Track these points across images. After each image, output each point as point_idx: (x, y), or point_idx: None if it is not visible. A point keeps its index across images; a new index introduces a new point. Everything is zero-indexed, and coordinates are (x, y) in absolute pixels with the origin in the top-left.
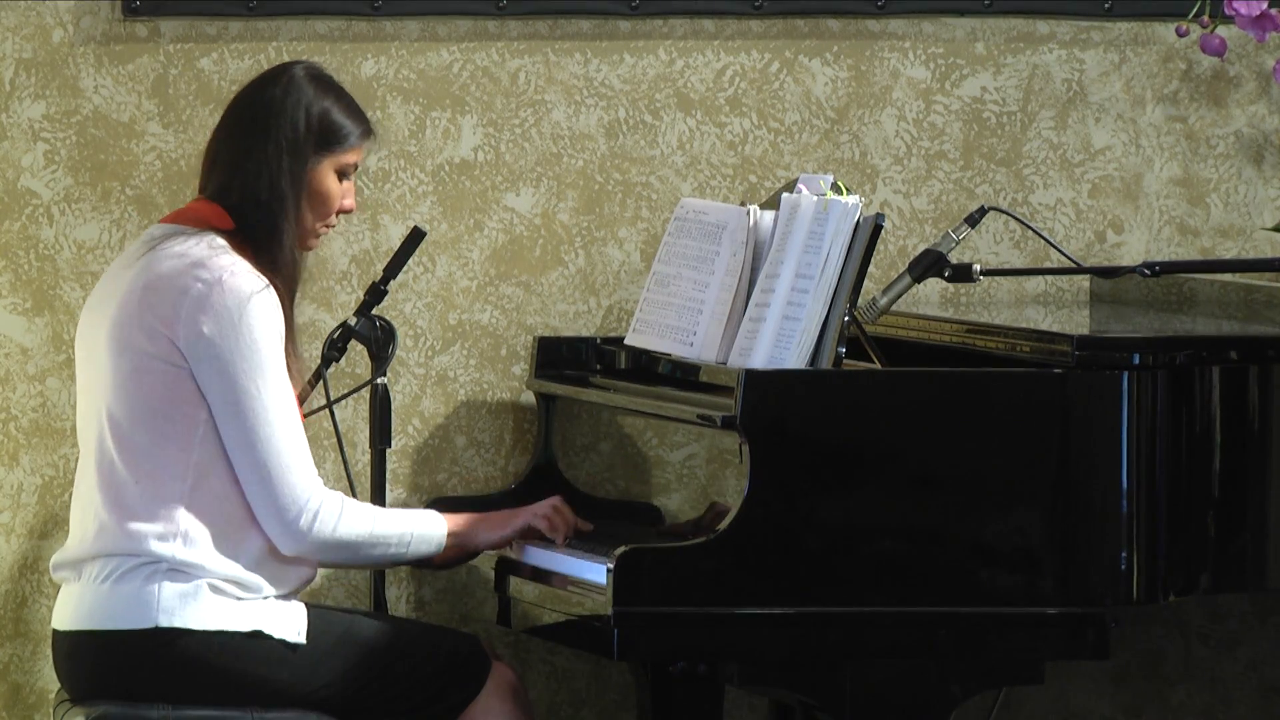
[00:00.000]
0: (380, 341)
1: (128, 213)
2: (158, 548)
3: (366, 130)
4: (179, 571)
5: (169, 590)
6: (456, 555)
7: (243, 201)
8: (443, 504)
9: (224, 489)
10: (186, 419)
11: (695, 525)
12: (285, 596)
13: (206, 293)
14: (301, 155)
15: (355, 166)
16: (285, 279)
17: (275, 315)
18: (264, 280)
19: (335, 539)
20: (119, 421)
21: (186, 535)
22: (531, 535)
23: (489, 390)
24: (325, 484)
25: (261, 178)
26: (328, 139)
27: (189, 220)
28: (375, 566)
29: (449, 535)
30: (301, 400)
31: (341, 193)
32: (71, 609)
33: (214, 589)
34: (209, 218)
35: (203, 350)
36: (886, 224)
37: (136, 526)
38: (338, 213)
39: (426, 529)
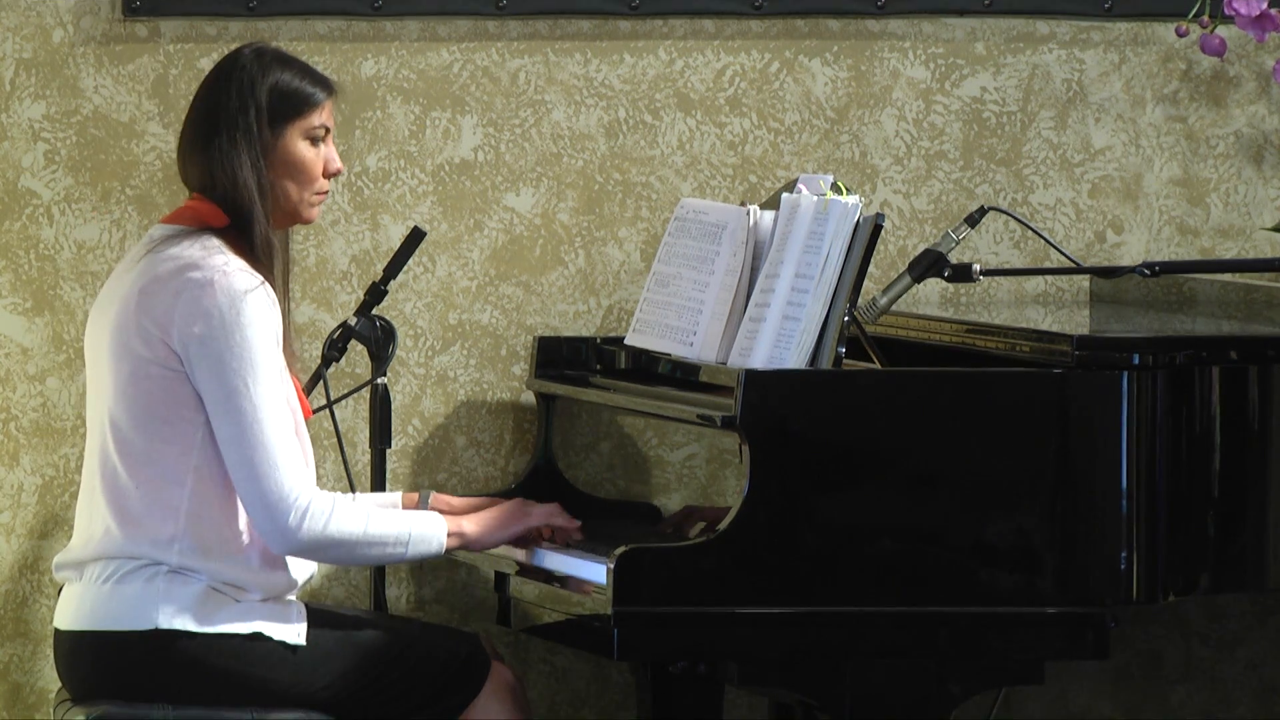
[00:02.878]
0: (380, 341)
1: (128, 213)
2: (159, 552)
3: (325, 90)
4: (179, 574)
5: (169, 592)
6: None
7: (225, 196)
8: None
9: (224, 492)
10: (185, 423)
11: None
12: (285, 598)
13: (199, 295)
14: (259, 137)
15: (327, 129)
16: (270, 269)
17: (269, 314)
18: (257, 279)
19: (326, 536)
20: (120, 425)
21: (187, 539)
22: (532, 537)
23: (489, 390)
24: (325, 485)
25: (226, 171)
26: (284, 110)
27: (186, 220)
28: (374, 565)
29: (451, 536)
30: (307, 392)
31: (320, 157)
32: (73, 609)
33: (214, 590)
34: (205, 216)
35: (196, 351)
36: (886, 224)
37: (138, 531)
38: (328, 176)
39: (425, 529)
